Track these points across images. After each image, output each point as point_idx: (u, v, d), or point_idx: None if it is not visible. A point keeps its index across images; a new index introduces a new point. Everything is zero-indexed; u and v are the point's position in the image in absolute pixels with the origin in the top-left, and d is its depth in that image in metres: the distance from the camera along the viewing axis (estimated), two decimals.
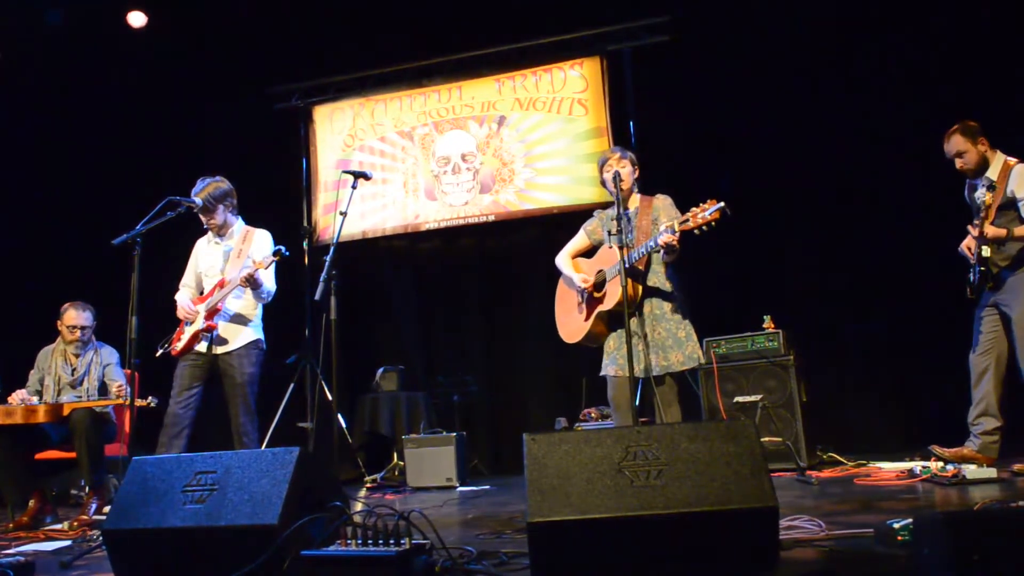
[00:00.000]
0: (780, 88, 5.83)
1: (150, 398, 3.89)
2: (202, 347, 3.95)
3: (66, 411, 4.06)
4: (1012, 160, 3.78)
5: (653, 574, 1.92)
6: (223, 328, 3.97)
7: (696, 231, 3.03)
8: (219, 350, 3.95)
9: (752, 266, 5.77)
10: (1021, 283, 3.74)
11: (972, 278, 3.86)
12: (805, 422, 4.59)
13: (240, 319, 4.01)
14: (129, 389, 4.44)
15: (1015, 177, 3.71)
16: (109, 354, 4.56)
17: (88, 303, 4.57)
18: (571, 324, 3.61)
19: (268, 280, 3.99)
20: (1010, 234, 3.67)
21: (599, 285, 3.46)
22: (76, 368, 4.48)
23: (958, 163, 3.91)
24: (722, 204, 2.97)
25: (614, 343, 3.42)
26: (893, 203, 5.41)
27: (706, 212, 2.99)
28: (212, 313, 3.94)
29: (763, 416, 4.63)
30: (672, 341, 3.29)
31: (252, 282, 3.84)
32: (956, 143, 3.90)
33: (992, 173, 3.79)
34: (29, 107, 6.64)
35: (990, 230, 3.70)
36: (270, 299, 4.08)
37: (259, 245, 4.06)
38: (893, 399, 5.51)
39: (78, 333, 4.45)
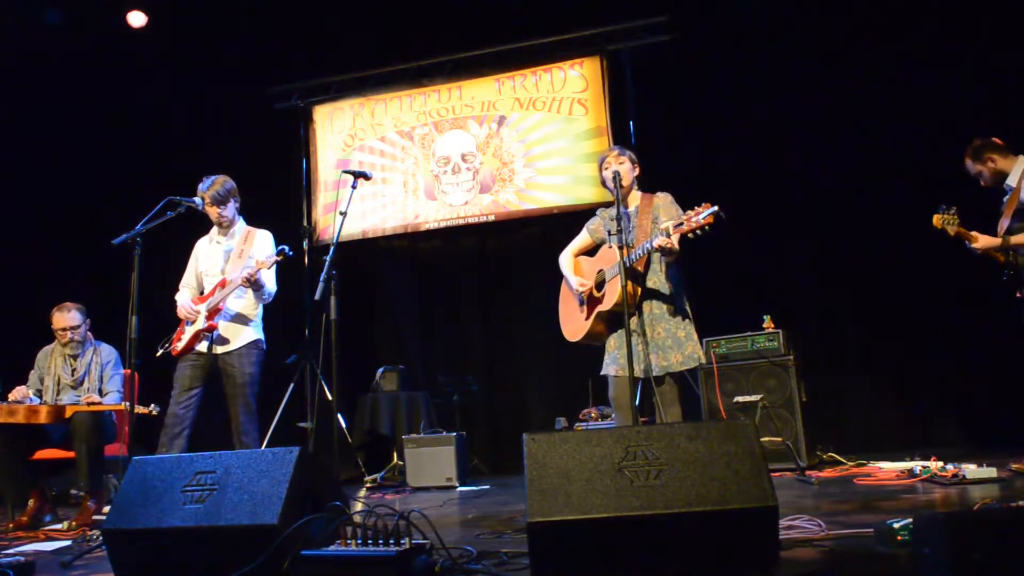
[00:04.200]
0: (780, 88, 5.83)
1: (152, 406, 3.88)
2: (202, 347, 3.94)
3: (68, 413, 4.05)
4: None
5: (653, 574, 1.92)
6: (224, 328, 3.96)
7: (691, 235, 3.03)
8: (219, 350, 3.94)
9: (752, 266, 5.77)
10: None
11: (1004, 280, 3.90)
12: (805, 422, 4.59)
13: (241, 319, 4.01)
14: (120, 385, 4.45)
15: None
16: (107, 353, 4.54)
17: (75, 303, 4.50)
18: (573, 323, 3.61)
19: (269, 281, 3.99)
20: (1005, 242, 3.72)
21: (599, 285, 3.47)
22: (76, 368, 4.47)
23: (981, 182, 4.00)
24: (716, 208, 2.96)
25: (615, 343, 3.42)
26: (894, 203, 5.41)
27: (700, 216, 2.99)
28: (213, 313, 3.93)
29: (763, 416, 4.63)
30: (671, 341, 3.29)
31: (254, 283, 3.84)
32: (969, 167, 4.01)
33: (1012, 180, 3.84)
34: (29, 107, 6.63)
35: (982, 242, 3.78)
36: (271, 300, 4.08)
37: (260, 245, 4.06)
38: (893, 399, 5.51)
39: (68, 334, 4.41)
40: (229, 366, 3.92)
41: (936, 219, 3.90)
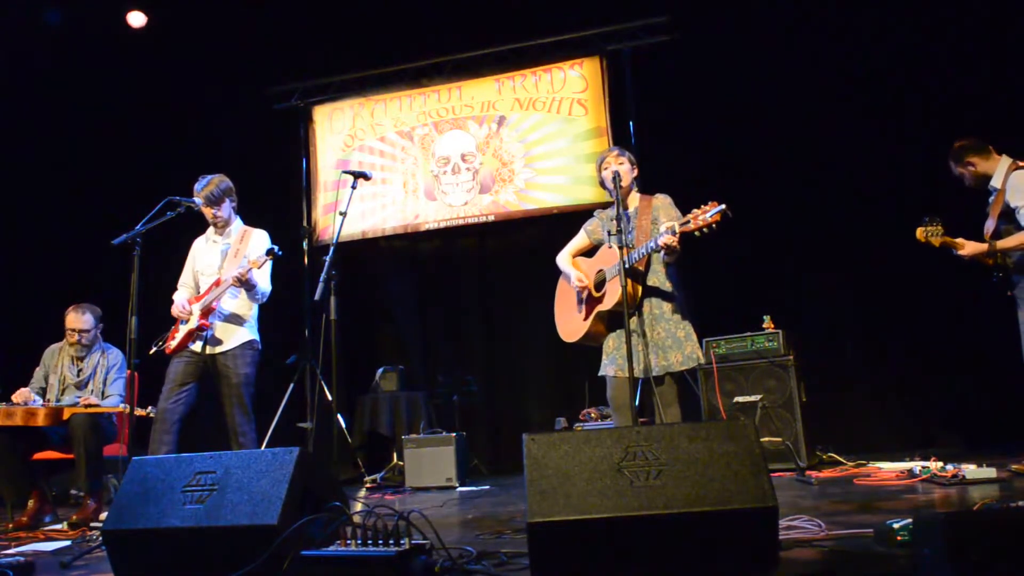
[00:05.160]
0: (780, 88, 5.83)
1: (150, 408, 3.88)
2: (196, 346, 3.94)
3: (66, 415, 4.05)
4: (1020, 163, 3.77)
5: (653, 574, 1.92)
6: (218, 328, 3.95)
7: (697, 233, 3.02)
8: (214, 350, 3.94)
9: (752, 266, 5.77)
10: None
11: (994, 282, 3.89)
12: (805, 422, 4.59)
13: (235, 319, 4.00)
14: (123, 389, 4.45)
15: (1011, 186, 3.71)
16: (114, 357, 4.53)
17: (92, 305, 4.54)
18: (570, 323, 3.60)
19: (262, 280, 3.98)
20: (992, 247, 3.71)
21: (599, 285, 3.46)
22: (82, 369, 4.46)
23: (966, 183, 3.98)
24: (723, 206, 2.96)
25: (613, 343, 3.41)
26: (894, 203, 5.41)
27: (707, 214, 2.98)
28: (206, 312, 3.92)
29: (763, 416, 4.63)
30: (671, 341, 3.29)
31: (245, 283, 3.83)
32: (952, 170, 3.99)
33: (996, 181, 3.81)
34: (29, 107, 6.64)
35: (968, 249, 3.76)
36: (265, 299, 4.06)
37: (256, 245, 4.05)
38: (893, 399, 5.51)
39: (77, 336, 4.42)
40: (224, 367, 3.91)
41: (919, 232, 3.87)
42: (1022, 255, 3.74)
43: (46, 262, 6.58)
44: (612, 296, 3.32)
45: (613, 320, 3.41)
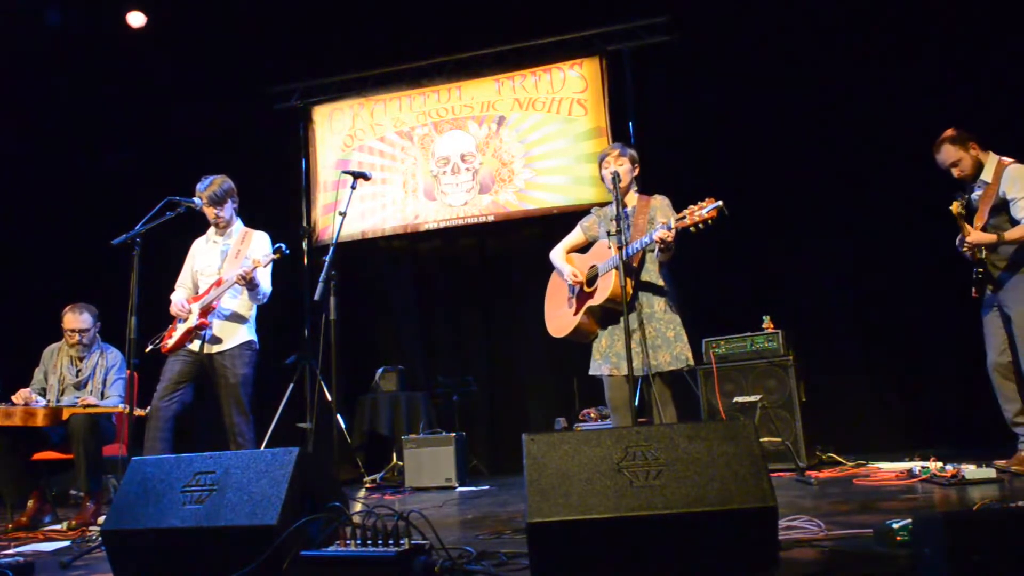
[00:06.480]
0: (780, 88, 5.83)
1: (149, 408, 3.87)
2: (194, 346, 3.92)
3: (65, 415, 4.05)
4: (1007, 160, 3.79)
5: (653, 574, 1.92)
6: (217, 327, 3.95)
7: (692, 229, 3.02)
8: (212, 349, 3.93)
9: (752, 266, 5.77)
10: (1020, 283, 3.74)
11: (974, 277, 3.88)
12: (804, 422, 4.59)
13: (235, 318, 3.99)
14: (122, 390, 4.45)
15: (1007, 178, 3.72)
16: (113, 357, 4.53)
17: (89, 304, 4.54)
18: (560, 318, 3.60)
19: (265, 280, 3.97)
20: (1000, 239, 3.69)
21: (590, 280, 3.46)
22: (81, 370, 4.46)
23: (955, 172, 3.92)
24: (720, 203, 2.96)
25: (606, 341, 3.41)
26: (894, 203, 5.41)
27: (703, 210, 2.98)
28: (206, 311, 3.91)
29: (762, 416, 4.63)
30: (661, 340, 3.28)
31: (249, 281, 3.82)
32: (948, 153, 3.91)
33: (987, 175, 3.81)
34: (29, 107, 6.64)
35: (974, 236, 3.73)
36: (265, 300, 4.05)
37: (257, 246, 4.04)
38: (893, 399, 5.51)
39: (76, 336, 4.42)
40: (221, 367, 3.90)
41: (955, 206, 3.81)
42: (1014, 252, 3.74)
43: (46, 262, 6.58)
44: (603, 291, 3.32)
45: (604, 315, 3.41)
